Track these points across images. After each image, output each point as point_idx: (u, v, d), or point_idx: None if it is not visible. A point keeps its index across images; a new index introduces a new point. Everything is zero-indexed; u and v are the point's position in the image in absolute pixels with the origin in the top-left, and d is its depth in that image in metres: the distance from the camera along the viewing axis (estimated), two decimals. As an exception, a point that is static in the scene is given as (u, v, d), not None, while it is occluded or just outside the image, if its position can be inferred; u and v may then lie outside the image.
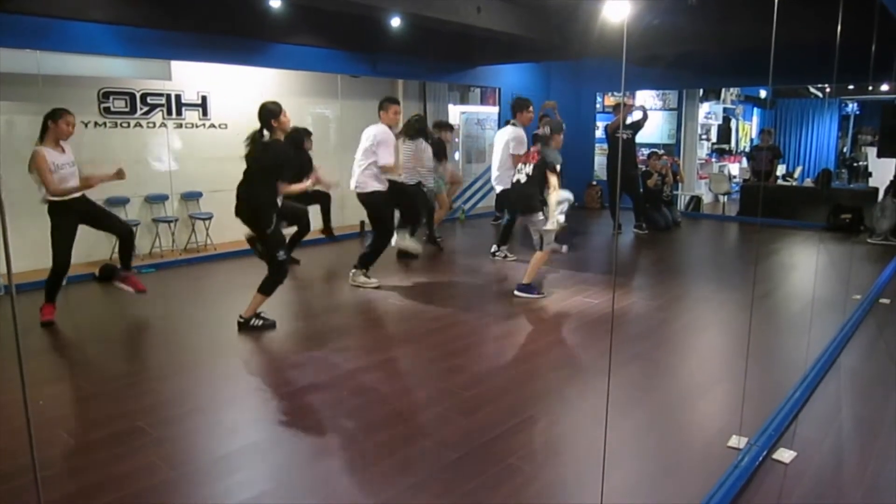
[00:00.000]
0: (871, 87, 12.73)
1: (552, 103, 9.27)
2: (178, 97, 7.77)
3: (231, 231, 8.18)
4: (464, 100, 12.13)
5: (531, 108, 7.37)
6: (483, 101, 12.34)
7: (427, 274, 6.87)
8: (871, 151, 12.74)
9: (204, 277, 6.94)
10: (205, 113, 8.05)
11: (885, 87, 11.67)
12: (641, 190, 9.51)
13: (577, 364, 4.39)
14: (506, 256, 7.31)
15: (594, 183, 12.25)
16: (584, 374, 4.16)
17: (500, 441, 3.17)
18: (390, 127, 6.03)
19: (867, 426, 3.44)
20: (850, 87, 13.38)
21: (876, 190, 10.24)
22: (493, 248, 7.46)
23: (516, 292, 5.79)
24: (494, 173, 7.33)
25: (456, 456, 3.01)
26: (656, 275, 7.21)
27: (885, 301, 5.74)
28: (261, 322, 4.79)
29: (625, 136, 9.16)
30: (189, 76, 7.82)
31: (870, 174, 13.91)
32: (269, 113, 4.66)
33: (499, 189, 7.31)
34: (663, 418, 3.51)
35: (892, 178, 8.90)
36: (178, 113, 7.81)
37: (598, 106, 12.55)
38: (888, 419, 3.48)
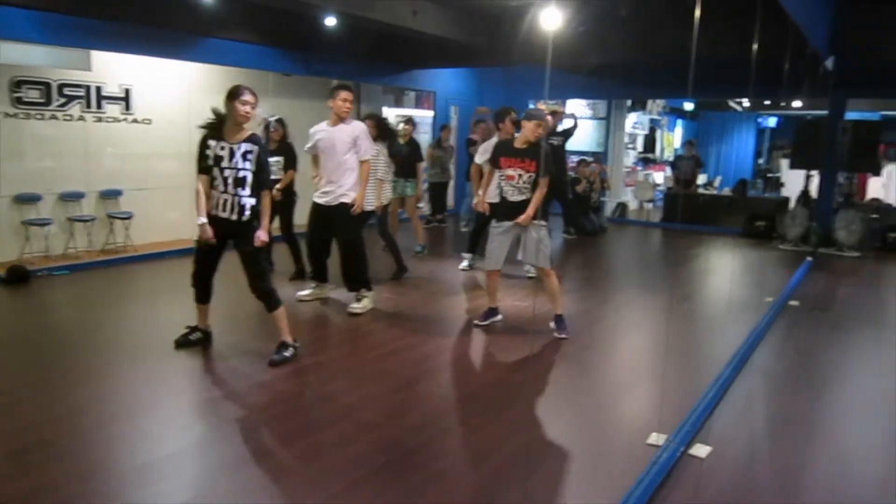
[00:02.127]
0: (783, 104, 13.44)
1: (485, 109, 9.37)
2: (98, 89, 7.43)
3: (153, 231, 7.94)
4: (399, 103, 12.11)
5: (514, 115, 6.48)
6: (418, 105, 12.36)
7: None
8: (785, 163, 13.43)
9: (122, 280, 6.66)
10: (128, 107, 7.73)
11: (797, 104, 12.34)
12: (571, 196, 9.72)
13: (505, 367, 4.44)
14: (472, 267, 6.99)
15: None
16: (511, 377, 4.21)
17: (428, 444, 3.17)
18: (341, 120, 5.17)
19: (778, 420, 3.63)
20: (767, 102, 14.10)
21: (788, 199, 10.81)
22: (465, 262, 7.09)
23: (561, 335, 4.81)
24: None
25: (383, 461, 2.99)
26: (584, 278, 7.38)
27: (795, 303, 6.06)
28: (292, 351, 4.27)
29: (556, 143, 9.35)
30: (111, 68, 7.50)
31: (783, 184, 14.67)
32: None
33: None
34: (587, 418, 3.60)
35: (802, 188, 9.41)
36: (99, 106, 7.47)
37: (529, 112, 12.75)
38: (796, 413, 3.67)
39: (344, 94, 5.14)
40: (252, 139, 4.13)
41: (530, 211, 4.65)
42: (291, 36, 8.23)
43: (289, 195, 6.32)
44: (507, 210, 4.78)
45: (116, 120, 7.66)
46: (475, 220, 7.06)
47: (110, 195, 7.66)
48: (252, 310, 5.33)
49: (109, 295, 6.12)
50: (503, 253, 4.89)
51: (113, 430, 3.26)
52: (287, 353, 4.19)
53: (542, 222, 4.76)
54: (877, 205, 10.72)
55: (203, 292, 4.37)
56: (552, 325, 4.87)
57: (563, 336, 4.80)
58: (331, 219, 5.27)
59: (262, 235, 4.12)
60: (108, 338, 4.75)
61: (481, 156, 6.33)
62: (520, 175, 4.71)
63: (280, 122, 6.37)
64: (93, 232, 7.41)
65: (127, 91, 7.70)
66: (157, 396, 3.74)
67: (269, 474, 2.90)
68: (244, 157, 4.06)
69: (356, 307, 5.36)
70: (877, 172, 11.30)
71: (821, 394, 3.99)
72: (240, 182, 4.04)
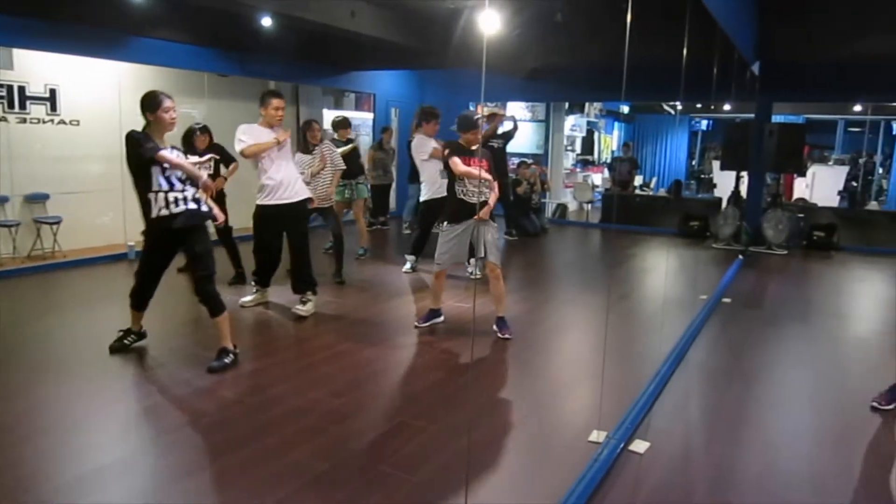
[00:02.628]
0: (712, 107, 13.93)
1: (427, 110, 9.35)
2: (21, 89, 7.10)
3: (83, 236, 7.64)
4: (338, 104, 12.01)
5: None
6: (358, 107, 12.28)
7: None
8: (717, 165, 13.92)
9: (51, 287, 6.39)
10: (54, 108, 7.42)
11: (727, 107, 12.81)
12: (512, 197, 9.82)
13: (447, 368, 4.45)
14: (414, 269, 7.00)
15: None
16: (454, 379, 4.21)
17: (370, 448, 3.15)
18: (271, 127, 5.06)
19: (712, 414, 3.75)
20: (698, 105, 14.58)
21: (720, 199, 11.18)
22: (408, 264, 7.06)
23: (504, 335, 4.85)
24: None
25: (327, 465, 2.96)
26: (525, 279, 7.47)
27: (727, 300, 6.28)
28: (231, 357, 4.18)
29: (496, 145, 9.43)
30: (35, 67, 7.18)
31: (715, 185, 15.18)
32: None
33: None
34: (530, 417, 3.63)
35: (733, 189, 9.76)
36: (22, 106, 7.14)
37: (470, 115, 12.82)
38: (730, 406, 3.80)
39: (276, 102, 5.03)
40: (176, 148, 4.14)
41: (488, 208, 4.78)
42: (226, 36, 8.05)
43: (221, 197, 6.19)
44: (465, 211, 4.81)
45: (42, 121, 7.34)
46: (419, 222, 7.06)
47: (36, 199, 7.33)
48: (189, 315, 5.21)
49: (38, 303, 5.85)
50: (461, 252, 4.95)
51: (46, 444, 3.11)
52: (227, 360, 4.10)
53: (495, 223, 4.88)
54: (802, 204, 11.23)
55: (141, 301, 4.26)
56: (495, 327, 4.89)
57: (507, 336, 4.83)
58: (283, 219, 5.20)
59: (219, 215, 4.18)
60: (37, 348, 4.52)
61: (421, 152, 6.47)
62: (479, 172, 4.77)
63: (205, 129, 6.17)
64: (18, 238, 7.08)
65: (53, 91, 7.39)
66: (91, 407, 3.60)
67: (209, 484, 2.82)
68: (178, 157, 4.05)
69: (302, 309, 5.30)
70: (802, 173, 11.83)
71: (752, 388, 4.15)
72: (183, 179, 3.99)
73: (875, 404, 3.75)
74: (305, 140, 6.17)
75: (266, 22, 7.18)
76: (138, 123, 4.10)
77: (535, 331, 5.26)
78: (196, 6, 6.61)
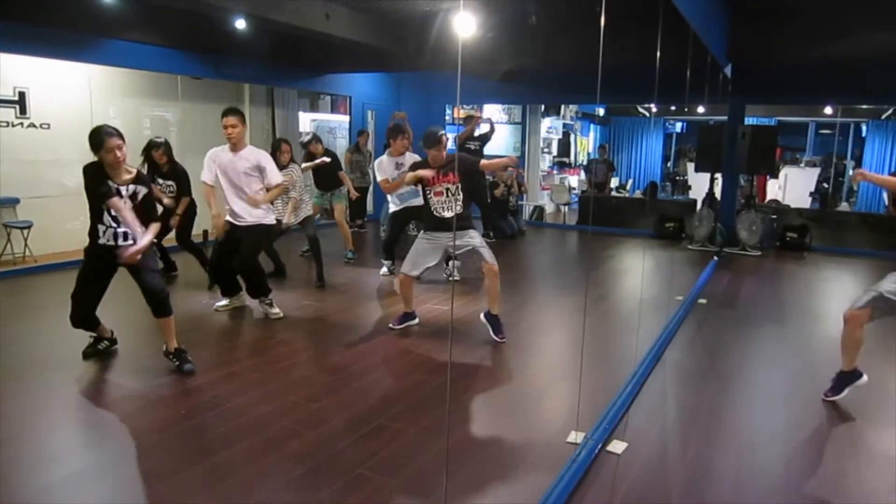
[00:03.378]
0: (686, 109, 14.09)
1: (402, 114, 9.34)
2: (-11, 92, 6.99)
3: (55, 241, 7.50)
4: (314, 107, 11.95)
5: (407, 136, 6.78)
6: (334, 110, 12.23)
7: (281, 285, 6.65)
8: (691, 167, 14.09)
9: (21, 292, 6.27)
10: (23, 111, 7.29)
11: (701, 109, 12.96)
12: (489, 200, 9.83)
13: (425, 370, 4.43)
14: (392, 272, 6.87)
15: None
16: (432, 381, 4.20)
17: (348, 452, 3.12)
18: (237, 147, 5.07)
19: (688, 414, 3.78)
20: (673, 107, 14.74)
21: (695, 201, 11.32)
22: (384, 268, 7.04)
23: (500, 339, 4.88)
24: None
25: (304, 470, 2.93)
26: (502, 281, 7.40)
27: (703, 301, 6.34)
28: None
29: (473, 148, 9.45)
30: (4, 69, 7.04)
31: (689, 187, 15.36)
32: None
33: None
34: (508, 419, 3.63)
35: (707, 190, 9.87)
36: (-9, 110, 7.02)
37: (447, 117, 12.84)
38: (705, 406, 3.84)
39: (225, 120, 4.96)
40: (140, 180, 4.02)
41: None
42: (200, 38, 7.97)
43: (190, 209, 6.34)
44: (438, 224, 4.84)
45: (10, 124, 7.21)
46: (389, 227, 7.03)
47: (6, 203, 7.19)
48: (154, 323, 5.11)
49: (7, 308, 5.73)
50: (427, 263, 4.89)
51: (9, 453, 3.04)
52: (189, 359, 4.12)
53: (474, 229, 4.95)
54: (775, 206, 11.40)
55: (84, 320, 4.17)
56: (491, 331, 4.89)
57: (502, 340, 4.85)
58: (238, 238, 5.19)
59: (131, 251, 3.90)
60: (3, 354, 4.43)
61: (382, 173, 6.34)
62: (447, 189, 4.81)
63: (165, 144, 6.20)
64: (-21, 245, 6.94)
65: (22, 94, 7.26)
66: (56, 415, 3.53)
67: (183, 489, 2.77)
68: (132, 198, 3.95)
69: (275, 312, 5.33)
70: (774, 175, 12.01)
71: (728, 388, 4.19)
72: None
73: (824, 398, 3.89)
74: (276, 160, 6.03)
75: (240, 24, 7.12)
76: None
77: (513, 332, 5.26)
78: (168, 8, 6.54)
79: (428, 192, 4.84)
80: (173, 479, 2.87)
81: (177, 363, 4.11)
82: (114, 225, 3.98)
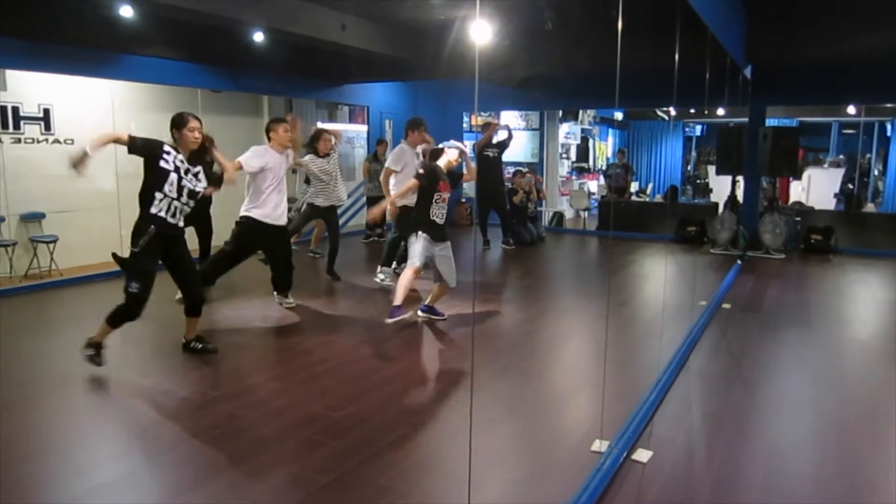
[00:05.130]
0: (706, 112, 13.98)
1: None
2: (15, 109, 7.12)
3: (79, 255, 7.61)
4: (332, 117, 12.03)
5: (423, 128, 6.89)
6: (352, 120, 12.30)
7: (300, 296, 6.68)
8: (712, 169, 13.96)
9: (48, 306, 6.35)
10: (47, 127, 7.42)
11: (720, 111, 12.85)
12: (508, 207, 9.81)
13: (447, 379, 4.42)
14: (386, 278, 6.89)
15: (463, 200, 12.52)
16: (454, 389, 4.19)
17: (370, 462, 3.12)
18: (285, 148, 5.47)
19: (714, 421, 3.72)
20: (692, 110, 14.63)
21: (716, 204, 11.19)
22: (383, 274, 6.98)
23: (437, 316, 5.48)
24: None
25: (326, 480, 2.93)
26: (523, 288, 7.45)
27: (727, 306, 6.26)
28: (91, 352, 4.23)
29: (492, 155, 9.44)
30: (28, 87, 7.19)
31: (711, 190, 15.20)
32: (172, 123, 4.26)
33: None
34: (530, 428, 3.60)
35: (729, 193, 9.77)
36: (16, 126, 7.15)
37: (464, 125, 12.86)
38: (731, 412, 3.78)
39: (284, 126, 5.44)
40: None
41: None
42: (219, 52, 8.06)
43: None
44: (437, 232, 5.13)
45: (36, 140, 7.34)
46: (397, 227, 6.88)
47: (32, 218, 7.32)
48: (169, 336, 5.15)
49: (34, 322, 5.82)
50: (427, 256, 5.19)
51: (38, 466, 3.08)
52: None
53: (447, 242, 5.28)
54: (799, 208, 11.23)
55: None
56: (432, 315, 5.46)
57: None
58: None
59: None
60: (32, 366, 4.50)
61: (397, 162, 6.62)
62: (446, 198, 5.16)
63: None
64: (14, 257, 7.05)
65: (46, 111, 7.40)
66: (82, 427, 3.56)
67: (209, 500, 2.78)
68: (196, 176, 4.25)
69: (289, 301, 5.92)
70: (797, 176, 11.85)
71: (754, 393, 4.12)
72: (192, 194, 4.23)
73: None
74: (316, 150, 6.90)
75: (258, 37, 7.19)
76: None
77: (534, 339, 5.24)
78: (187, 23, 6.62)
79: (437, 197, 4.97)
80: (199, 490, 2.88)
81: (200, 346, 4.50)
82: (175, 195, 4.16)
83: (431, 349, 4.92)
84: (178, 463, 3.15)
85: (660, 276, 7.99)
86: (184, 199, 4.17)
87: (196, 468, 3.10)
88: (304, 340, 5.09)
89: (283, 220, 5.52)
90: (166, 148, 4.10)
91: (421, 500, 2.83)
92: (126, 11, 6.17)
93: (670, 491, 2.91)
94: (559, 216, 12.72)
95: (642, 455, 3.17)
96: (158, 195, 4.06)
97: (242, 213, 5.43)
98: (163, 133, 4.31)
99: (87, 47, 6.98)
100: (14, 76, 7.03)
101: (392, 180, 6.66)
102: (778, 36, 8.05)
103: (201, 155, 4.33)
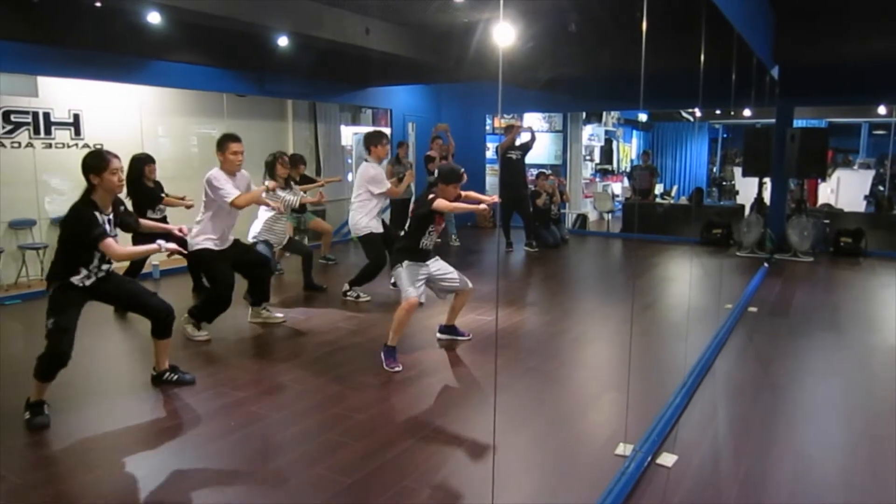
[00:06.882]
0: (732, 113, 13.80)
1: (444, 126, 9.40)
2: (46, 115, 7.27)
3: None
4: (355, 120, 12.10)
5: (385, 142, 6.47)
6: (375, 123, 12.36)
7: (311, 302, 6.72)
8: (738, 171, 13.77)
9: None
10: (77, 132, 7.57)
11: (747, 112, 12.67)
12: (531, 209, 9.78)
13: (471, 381, 4.42)
14: (358, 297, 6.45)
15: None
16: (478, 391, 4.18)
17: (394, 464, 3.12)
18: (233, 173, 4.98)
19: (740, 426, 3.67)
20: (717, 111, 14.45)
21: (743, 206, 11.05)
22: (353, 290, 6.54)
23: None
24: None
25: (350, 482, 2.94)
26: (546, 290, 7.42)
27: (753, 309, 6.17)
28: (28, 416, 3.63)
29: (515, 157, 9.43)
30: (59, 93, 7.34)
31: (737, 192, 15.00)
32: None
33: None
34: (554, 431, 3.59)
35: (756, 195, 9.63)
36: (48, 132, 7.30)
37: (487, 127, 12.85)
38: (758, 417, 3.72)
39: (234, 147, 4.92)
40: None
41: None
42: (244, 57, 8.15)
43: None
44: (425, 255, 4.69)
45: (66, 146, 7.49)
46: (377, 249, 6.42)
47: (22, 225, 7.41)
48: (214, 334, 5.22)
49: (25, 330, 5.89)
50: (422, 282, 4.69)
51: (55, 472, 3.13)
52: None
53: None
54: (828, 210, 11.04)
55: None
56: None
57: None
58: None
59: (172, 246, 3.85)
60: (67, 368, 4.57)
61: (386, 179, 6.40)
62: (440, 229, 4.78)
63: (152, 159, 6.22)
64: (45, 260, 7.19)
65: (76, 116, 7.54)
66: (98, 431, 3.61)
67: (233, 500, 2.82)
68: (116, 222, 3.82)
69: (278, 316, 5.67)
70: (825, 178, 11.64)
71: (781, 398, 4.06)
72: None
73: None
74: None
75: (282, 42, 7.26)
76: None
77: (558, 342, 5.22)
78: (213, 29, 6.71)
79: (431, 228, 4.69)
80: (224, 490, 2.92)
81: (175, 377, 4.11)
82: (104, 266, 3.70)
83: (454, 351, 4.91)
84: (202, 464, 3.20)
85: (685, 278, 7.91)
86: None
87: (219, 470, 3.14)
88: (322, 343, 5.11)
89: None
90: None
91: (445, 502, 2.83)
92: (154, 18, 6.27)
93: (695, 496, 2.88)
94: (583, 218, 12.65)
95: (667, 459, 3.14)
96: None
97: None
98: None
99: (116, 54, 7.10)
100: (45, 83, 7.17)
101: (375, 189, 6.28)
102: (806, 34, 7.92)
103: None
